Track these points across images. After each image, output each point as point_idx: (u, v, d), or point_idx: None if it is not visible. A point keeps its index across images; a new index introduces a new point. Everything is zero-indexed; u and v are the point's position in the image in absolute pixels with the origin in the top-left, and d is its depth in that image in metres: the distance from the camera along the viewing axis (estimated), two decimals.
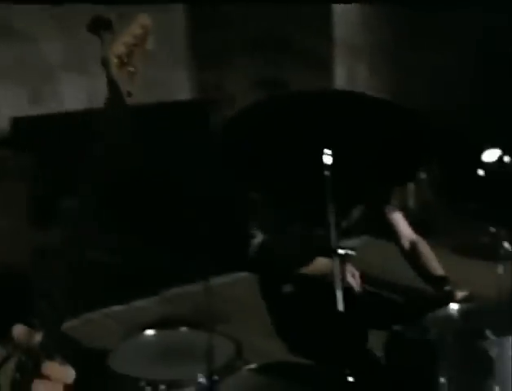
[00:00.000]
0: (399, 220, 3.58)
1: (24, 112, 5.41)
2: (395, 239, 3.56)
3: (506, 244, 3.53)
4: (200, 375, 2.74)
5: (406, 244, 3.54)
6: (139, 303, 4.93)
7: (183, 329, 3.21)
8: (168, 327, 3.28)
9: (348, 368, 2.68)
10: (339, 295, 2.61)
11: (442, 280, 3.30)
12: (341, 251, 2.68)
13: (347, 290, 3.09)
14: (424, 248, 3.51)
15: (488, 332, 2.46)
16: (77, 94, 5.56)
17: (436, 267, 3.40)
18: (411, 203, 6.38)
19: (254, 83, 6.37)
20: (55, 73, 5.53)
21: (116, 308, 4.86)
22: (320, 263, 3.27)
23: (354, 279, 3.26)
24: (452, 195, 6.20)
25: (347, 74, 6.67)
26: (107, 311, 4.82)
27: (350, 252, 3.28)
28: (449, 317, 2.73)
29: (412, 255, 3.51)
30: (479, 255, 4.37)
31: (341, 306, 2.60)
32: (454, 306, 2.77)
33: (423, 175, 6.37)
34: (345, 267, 3.11)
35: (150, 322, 3.92)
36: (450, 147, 3.75)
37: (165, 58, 5.84)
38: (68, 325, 3.23)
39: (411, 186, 6.32)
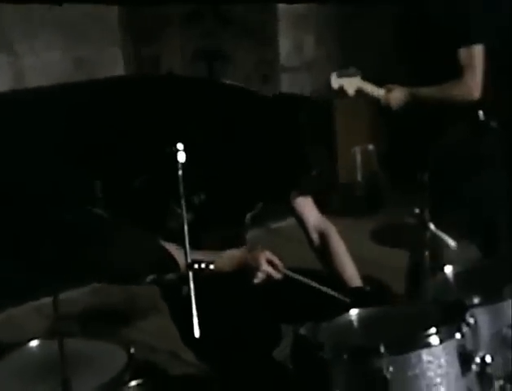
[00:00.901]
0: (305, 206, 3.12)
1: None
2: (303, 229, 3.14)
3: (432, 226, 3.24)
4: None
5: (314, 236, 3.10)
6: None
7: (71, 339, 2.81)
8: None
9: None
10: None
11: (355, 290, 2.90)
12: None
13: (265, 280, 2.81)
14: (334, 241, 3.06)
15: (383, 349, 2.11)
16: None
17: (351, 273, 2.97)
18: (359, 176, 6.03)
19: (193, 57, 6.00)
20: None
21: None
22: (230, 256, 2.86)
23: (272, 268, 2.81)
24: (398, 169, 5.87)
25: (293, 45, 6.34)
26: None
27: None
28: (348, 326, 2.39)
29: (321, 251, 3.08)
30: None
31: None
32: (354, 313, 2.43)
33: (371, 146, 6.04)
34: (259, 256, 2.81)
35: None
36: None
37: (97, 35, 5.46)
38: None
39: (358, 158, 5.97)
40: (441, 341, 2.18)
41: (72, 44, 5.39)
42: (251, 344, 2.72)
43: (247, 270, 2.81)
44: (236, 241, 3.00)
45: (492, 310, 2.45)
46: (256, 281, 2.79)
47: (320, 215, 3.14)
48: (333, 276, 2.97)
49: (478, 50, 3.49)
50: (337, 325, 2.40)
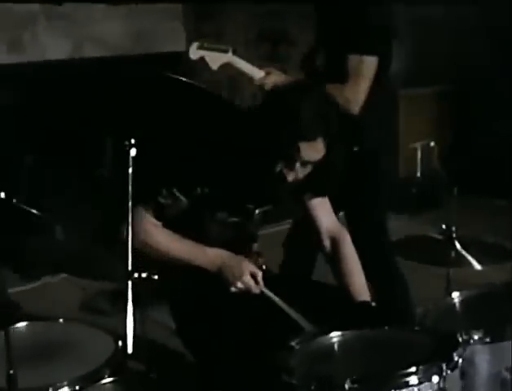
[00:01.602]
0: (320, 208, 2.80)
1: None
2: (314, 233, 2.82)
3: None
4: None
5: (326, 241, 2.79)
6: None
7: (60, 321, 2.75)
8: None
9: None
10: None
11: (360, 305, 2.60)
12: None
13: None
14: (346, 249, 2.76)
15: (348, 386, 1.83)
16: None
17: (358, 285, 2.66)
18: (418, 173, 5.68)
19: (257, 37, 5.75)
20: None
21: None
22: (215, 255, 2.60)
23: (252, 280, 2.57)
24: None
25: None
26: None
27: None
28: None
29: (331, 257, 2.78)
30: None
31: None
32: (336, 335, 2.15)
33: (432, 143, 5.68)
34: (244, 266, 2.58)
35: None
36: None
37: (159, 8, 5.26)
38: None
39: (418, 154, 5.62)
40: (419, 382, 1.89)
41: (132, 16, 5.24)
42: (245, 347, 2.50)
43: (228, 274, 2.57)
44: (245, 237, 2.76)
45: (492, 349, 2.14)
46: (232, 289, 2.56)
47: (334, 218, 2.84)
48: (340, 286, 2.69)
49: (368, 62, 3.19)
50: (315, 348, 2.13)
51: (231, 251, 2.68)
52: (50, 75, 4.64)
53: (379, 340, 2.14)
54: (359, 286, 2.67)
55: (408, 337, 2.14)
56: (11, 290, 4.20)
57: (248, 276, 2.56)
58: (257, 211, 2.74)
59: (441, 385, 1.89)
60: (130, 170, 1.76)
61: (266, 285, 2.66)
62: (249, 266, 2.58)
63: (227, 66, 3.27)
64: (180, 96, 3.01)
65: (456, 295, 2.40)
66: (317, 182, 2.63)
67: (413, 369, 1.89)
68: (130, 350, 1.79)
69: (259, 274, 2.58)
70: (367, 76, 3.19)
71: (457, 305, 2.38)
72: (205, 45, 3.26)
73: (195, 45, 3.26)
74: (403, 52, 6.11)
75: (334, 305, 2.62)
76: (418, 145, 5.66)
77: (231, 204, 2.66)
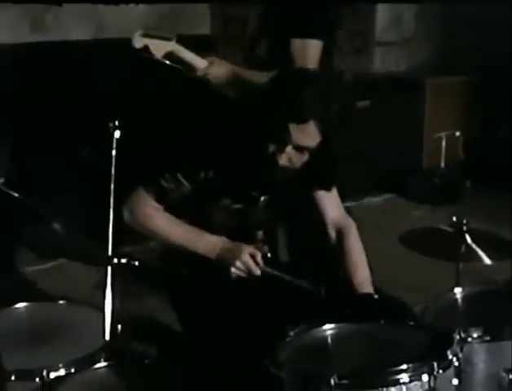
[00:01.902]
0: (326, 199, 2.70)
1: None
2: (320, 223, 2.71)
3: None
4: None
5: (331, 232, 2.69)
6: None
7: (61, 302, 2.67)
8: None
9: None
10: None
11: (365, 298, 2.49)
12: None
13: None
14: (352, 241, 2.66)
15: (334, 381, 1.76)
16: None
17: (362, 277, 2.56)
18: (442, 163, 5.54)
19: None
20: None
21: None
22: (210, 241, 2.54)
23: (252, 261, 2.48)
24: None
25: (391, 18, 5.91)
26: None
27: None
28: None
29: (336, 249, 2.68)
30: None
31: None
32: (329, 328, 2.07)
33: (458, 133, 5.54)
34: (243, 247, 2.51)
35: None
36: None
37: None
38: None
39: (443, 144, 5.49)
40: (410, 381, 1.80)
41: None
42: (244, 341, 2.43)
43: (226, 256, 2.50)
44: (249, 224, 2.67)
45: (491, 348, 2.05)
46: (232, 270, 2.48)
47: (341, 209, 2.75)
48: (344, 277, 2.59)
49: (313, 45, 3.06)
50: (308, 341, 2.05)
51: (235, 238, 2.61)
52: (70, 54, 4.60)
53: (373, 335, 2.05)
54: (363, 278, 2.57)
55: (403, 333, 2.05)
56: (28, 269, 4.24)
57: (247, 256, 2.48)
58: (262, 198, 2.65)
59: (432, 385, 1.81)
60: (114, 152, 1.69)
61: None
62: (247, 248, 2.51)
63: (171, 55, 3.15)
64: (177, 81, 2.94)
65: (458, 291, 2.31)
66: (316, 172, 2.54)
67: (403, 367, 1.81)
68: (107, 337, 1.73)
69: (258, 255, 2.50)
70: (312, 61, 3.07)
71: (459, 301, 2.29)
72: (150, 33, 3.14)
73: (138, 33, 3.14)
74: (431, 41, 6.06)
75: (337, 295, 2.54)
76: (443, 135, 5.53)
77: (234, 190, 2.58)
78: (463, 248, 2.76)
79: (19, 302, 2.60)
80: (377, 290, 2.60)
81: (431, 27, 5.99)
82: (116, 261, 1.71)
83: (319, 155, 2.44)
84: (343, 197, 5.28)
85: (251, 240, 2.70)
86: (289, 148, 2.41)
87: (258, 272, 2.49)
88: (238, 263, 2.49)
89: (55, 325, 2.51)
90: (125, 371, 2.29)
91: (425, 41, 5.97)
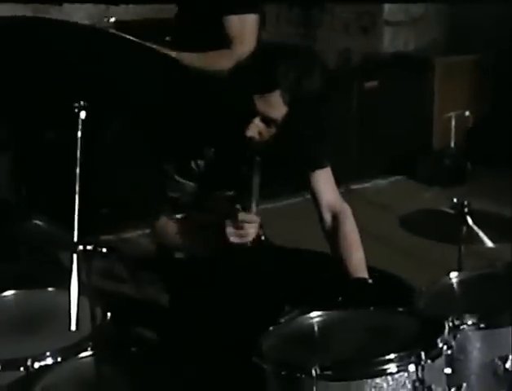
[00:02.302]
0: (321, 182, 2.57)
1: None
2: (316, 206, 2.60)
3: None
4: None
5: (326, 216, 2.57)
6: None
7: (49, 289, 2.55)
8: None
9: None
10: None
11: (359, 283, 2.39)
12: None
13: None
14: (347, 225, 2.55)
15: (316, 372, 1.65)
16: None
17: (356, 262, 2.46)
18: (452, 143, 5.39)
19: (289, 2, 5.53)
20: None
21: None
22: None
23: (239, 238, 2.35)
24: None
25: None
26: None
27: None
28: None
29: (331, 233, 2.57)
30: None
31: None
32: (316, 315, 1.96)
33: (467, 113, 5.38)
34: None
35: None
36: None
37: None
38: None
39: (452, 124, 5.33)
40: (397, 371, 1.68)
41: None
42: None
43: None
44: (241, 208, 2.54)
45: (486, 336, 1.92)
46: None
47: (336, 193, 2.61)
48: (337, 262, 2.49)
49: (249, 20, 2.94)
50: (293, 330, 1.93)
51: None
52: None
53: (362, 323, 1.93)
54: (357, 262, 2.46)
55: (394, 321, 1.92)
56: None
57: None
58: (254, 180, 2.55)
59: (420, 375, 1.69)
60: (79, 134, 1.59)
61: (265, 256, 2.53)
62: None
63: None
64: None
65: (453, 275, 2.17)
66: (287, 146, 2.42)
67: (389, 357, 1.69)
68: (73, 327, 1.63)
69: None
70: (252, 36, 2.96)
71: (455, 286, 2.15)
72: None
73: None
74: (440, 19, 5.89)
75: (331, 279, 2.45)
76: (453, 114, 5.37)
77: (226, 176, 2.48)
78: (464, 230, 2.66)
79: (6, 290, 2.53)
80: (377, 271, 2.52)
81: (440, 5, 5.82)
82: (81, 247, 1.60)
83: (288, 128, 2.33)
84: (350, 179, 5.31)
85: None
86: (256, 120, 2.31)
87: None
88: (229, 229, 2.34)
89: (44, 313, 2.40)
90: (112, 359, 2.22)
91: (434, 20, 5.80)
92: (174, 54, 2.85)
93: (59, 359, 2.14)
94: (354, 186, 5.39)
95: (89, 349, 2.19)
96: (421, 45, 5.79)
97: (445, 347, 1.77)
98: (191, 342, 2.41)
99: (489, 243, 2.59)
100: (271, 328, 1.93)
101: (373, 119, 5.40)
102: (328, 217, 2.58)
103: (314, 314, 1.98)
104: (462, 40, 5.60)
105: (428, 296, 2.07)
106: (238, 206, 2.43)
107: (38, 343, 2.22)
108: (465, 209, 2.70)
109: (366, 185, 5.42)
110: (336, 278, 2.48)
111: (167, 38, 3.09)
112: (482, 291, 2.12)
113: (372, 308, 2.00)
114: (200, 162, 2.42)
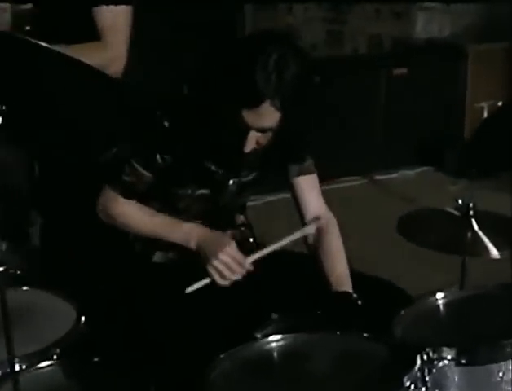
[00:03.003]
0: (307, 189, 2.33)
1: None
2: (299, 214, 2.35)
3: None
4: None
5: (309, 225, 2.31)
6: None
7: (25, 288, 2.36)
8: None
9: None
10: None
11: (339, 296, 2.15)
12: None
13: None
14: (332, 237, 2.30)
15: None
16: None
17: (340, 276, 2.21)
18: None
19: None
20: None
21: None
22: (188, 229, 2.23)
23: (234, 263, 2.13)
24: None
25: None
26: None
27: None
28: None
29: (314, 244, 2.32)
30: None
31: None
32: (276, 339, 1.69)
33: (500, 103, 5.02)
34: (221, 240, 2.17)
35: None
36: None
37: None
38: None
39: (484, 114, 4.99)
40: None
41: None
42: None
43: (205, 250, 2.16)
44: (224, 209, 2.36)
45: (466, 373, 1.62)
46: (208, 268, 2.12)
47: (321, 202, 2.36)
48: (320, 275, 2.24)
49: (122, 11, 2.63)
50: (248, 357, 1.66)
51: (210, 225, 2.28)
52: None
53: (324, 349, 1.66)
54: (341, 275, 2.21)
55: (359, 349, 1.64)
56: None
57: (227, 256, 2.12)
58: (231, 181, 2.30)
59: None
60: None
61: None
62: (231, 246, 2.15)
63: None
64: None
65: (440, 296, 1.87)
66: (281, 146, 2.19)
67: None
68: None
69: (240, 257, 2.14)
70: (123, 29, 2.68)
71: (441, 308, 1.86)
72: None
73: None
74: (474, 6, 5.53)
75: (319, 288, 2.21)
76: (485, 104, 5.03)
77: (196, 175, 2.25)
78: (469, 237, 2.37)
79: None
80: (369, 278, 2.30)
81: None
82: None
83: (284, 130, 2.09)
84: (375, 169, 5.03)
85: (230, 225, 2.41)
86: (251, 133, 2.07)
87: (239, 272, 2.13)
88: (215, 262, 2.13)
89: (16, 314, 2.22)
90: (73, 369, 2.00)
91: (468, 6, 5.44)
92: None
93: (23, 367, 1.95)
94: (378, 177, 5.15)
95: (54, 356, 2.00)
96: (455, 31, 5.45)
97: (412, 386, 1.51)
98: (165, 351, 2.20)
99: (495, 253, 2.31)
100: (226, 353, 1.68)
101: (401, 107, 5.10)
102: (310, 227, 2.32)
103: (274, 337, 1.72)
104: (497, 27, 5.24)
105: (408, 320, 1.79)
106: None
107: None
108: (471, 212, 2.43)
109: (392, 175, 5.12)
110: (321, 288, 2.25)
111: (27, 28, 2.80)
112: (470, 316, 1.82)
113: (338, 332, 1.74)
114: (167, 157, 2.19)
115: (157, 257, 2.36)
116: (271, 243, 2.22)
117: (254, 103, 1.98)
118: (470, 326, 1.79)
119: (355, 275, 2.27)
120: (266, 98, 1.97)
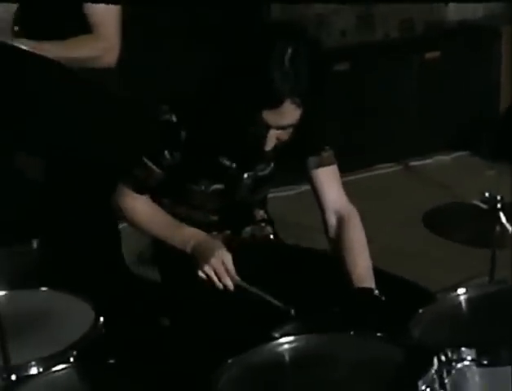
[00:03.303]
0: (326, 181, 2.24)
1: None
2: (320, 208, 2.27)
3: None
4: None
5: (331, 220, 2.24)
6: None
7: (43, 289, 2.33)
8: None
9: None
10: None
11: (361, 292, 2.07)
12: None
13: None
14: (354, 231, 2.22)
15: None
16: None
17: (363, 272, 2.13)
18: None
19: None
20: None
21: None
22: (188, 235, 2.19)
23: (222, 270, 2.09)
24: None
25: None
26: None
27: None
28: None
29: (335, 239, 2.23)
30: None
31: None
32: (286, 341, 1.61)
33: None
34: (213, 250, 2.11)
35: None
36: None
37: None
38: None
39: None
40: None
41: None
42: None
43: (198, 257, 2.13)
44: (240, 204, 2.31)
45: (487, 374, 1.53)
46: (200, 274, 2.10)
47: (343, 194, 2.28)
48: (342, 270, 2.15)
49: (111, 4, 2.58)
50: (257, 362, 1.58)
51: (228, 221, 2.28)
52: None
53: (337, 352, 1.57)
54: (363, 271, 2.13)
55: (374, 351, 1.55)
56: None
57: (216, 263, 2.08)
58: (245, 175, 2.23)
59: None
60: None
61: (274, 257, 2.26)
62: (220, 253, 2.09)
63: None
64: None
65: (461, 291, 1.77)
66: (302, 140, 2.12)
67: None
68: None
69: (229, 261, 2.09)
70: (115, 20, 2.63)
71: (462, 305, 1.76)
72: None
73: None
74: None
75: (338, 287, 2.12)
76: None
77: (209, 170, 2.20)
78: (497, 230, 2.26)
79: None
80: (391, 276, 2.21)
81: None
82: None
83: (304, 123, 2.03)
84: (410, 155, 4.89)
85: (249, 221, 2.36)
86: (271, 132, 2.01)
87: (228, 283, 2.09)
88: (206, 267, 2.09)
89: (30, 316, 2.16)
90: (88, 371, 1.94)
91: None
92: (33, 43, 2.54)
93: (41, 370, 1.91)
94: (413, 163, 5.02)
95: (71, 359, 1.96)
96: (489, 13, 5.27)
97: (428, 389, 1.42)
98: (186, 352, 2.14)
99: None
100: (234, 358, 1.60)
101: (435, 91, 4.95)
102: (332, 221, 2.25)
103: (285, 339, 1.64)
104: None
105: (427, 319, 1.69)
106: None
107: (23, 350, 1.97)
108: (498, 205, 2.32)
109: (426, 161, 4.98)
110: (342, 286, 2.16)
111: (16, 28, 2.72)
112: (493, 314, 1.71)
113: (352, 333, 1.65)
114: (176, 153, 2.14)
115: None
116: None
117: (274, 103, 1.92)
118: (492, 324, 1.68)
119: (379, 273, 2.18)
120: (286, 98, 1.91)
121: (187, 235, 2.17)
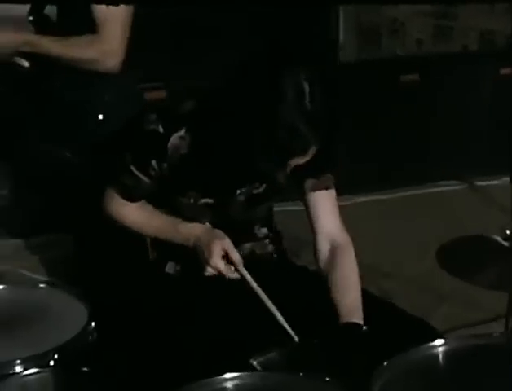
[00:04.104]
0: (322, 205, 2.10)
1: None
2: (312, 232, 2.12)
3: None
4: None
5: (323, 247, 2.09)
6: None
7: (42, 286, 2.28)
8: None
9: None
10: None
11: (346, 327, 1.91)
12: None
13: None
14: (347, 260, 2.06)
15: None
16: None
17: (351, 305, 1.96)
18: None
19: None
20: None
21: None
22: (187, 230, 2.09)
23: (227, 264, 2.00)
24: None
25: None
26: None
27: None
28: None
29: (326, 268, 2.07)
30: None
31: None
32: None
33: None
34: (214, 244, 1.99)
35: None
36: None
37: None
38: None
39: None
40: None
41: None
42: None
43: (200, 252, 2.02)
44: (236, 220, 2.17)
45: None
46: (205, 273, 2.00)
47: (338, 221, 2.12)
48: (330, 303, 1.99)
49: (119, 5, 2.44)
50: None
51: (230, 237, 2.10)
52: None
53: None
54: (352, 304, 1.96)
55: None
56: None
57: (218, 257, 1.98)
58: (237, 191, 2.10)
59: None
60: None
61: (274, 275, 2.12)
62: (220, 244, 1.99)
63: None
64: None
65: (439, 343, 1.54)
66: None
67: None
68: None
69: (235, 255, 1.99)
70: (121, 23, 2.50)
71: (440, 357, 1.54)
72: None
73: None
74: None
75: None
76: None
77: (197, 183, 2.09)
78: None
79: None
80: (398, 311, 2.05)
81: None
82: None
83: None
84: (476, 174, 4.60)
85: (249, 239, 2.22)
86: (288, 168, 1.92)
87: (235, 276, 1.98)
88: (209, 268, 2.00)
89: (23, 313, 2.10)
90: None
91: None
92: (34, 37, 2.52)
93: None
94: (479, 183, 4.72)
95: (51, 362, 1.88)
96: None
97: None
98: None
99: None
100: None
101: (508, 108, 4.64)
102: (325, 249, 2.10)
103: (229, 375, 1.47)
104: None
105: (393, 373, 1.47)
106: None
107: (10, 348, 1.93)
108: None
109: (494, 182, 4.65)
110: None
111: (30, 18, 2.63)
112: (471, 371, 1.48)
113: (301, 374, 1.48)
114: (163, 164, 2.04)
115: (169, 267, 2.21)
116: None
117: (301, 153, 1.85)
118: (469, 382, 1.46)
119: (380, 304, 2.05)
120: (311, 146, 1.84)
121: (186, 234, 2.08)
